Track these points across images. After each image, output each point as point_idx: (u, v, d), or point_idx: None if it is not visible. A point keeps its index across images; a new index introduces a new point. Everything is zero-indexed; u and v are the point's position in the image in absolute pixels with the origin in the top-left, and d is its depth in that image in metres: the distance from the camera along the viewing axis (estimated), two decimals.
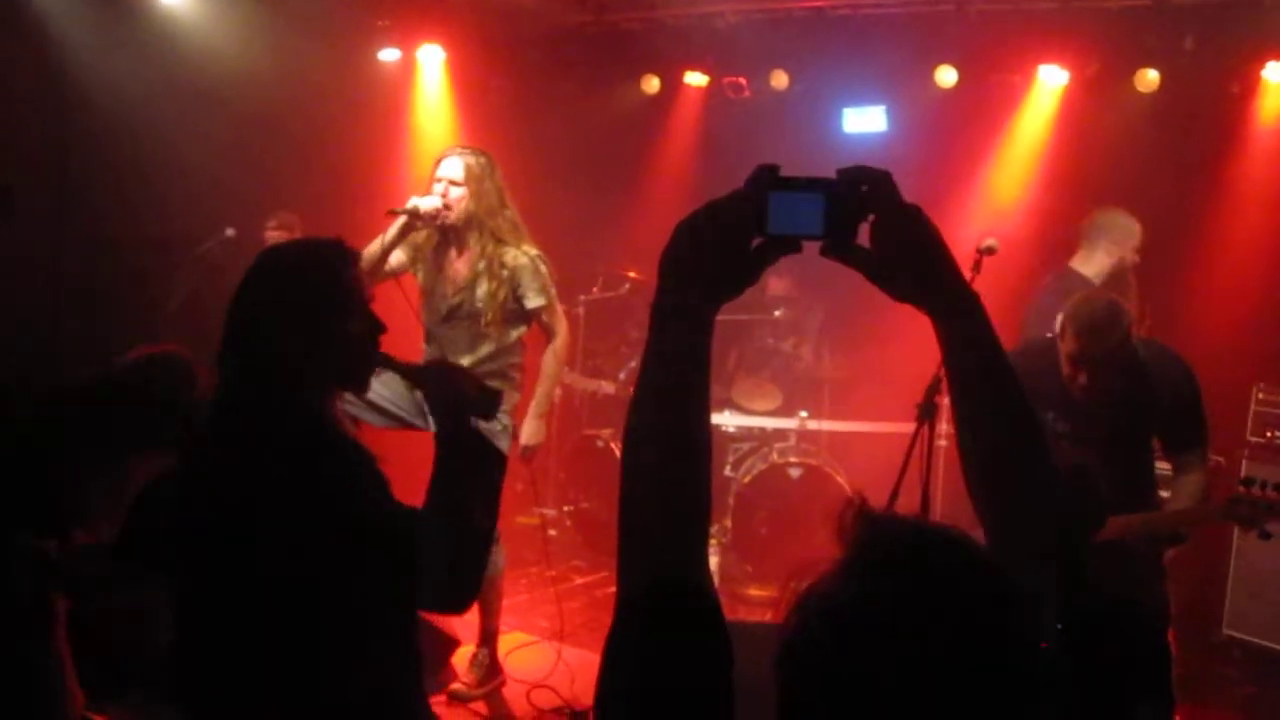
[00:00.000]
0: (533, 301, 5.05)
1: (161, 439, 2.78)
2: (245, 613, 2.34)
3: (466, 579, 2.59)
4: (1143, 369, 4.19)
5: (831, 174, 1.66)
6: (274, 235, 6.89)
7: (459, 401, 2.59)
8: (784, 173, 1.64)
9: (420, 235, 5.08)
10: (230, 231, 6.72)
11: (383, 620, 2.45)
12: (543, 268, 5.03)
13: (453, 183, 4.95)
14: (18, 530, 2.70)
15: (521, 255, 4.99)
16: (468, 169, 4.96)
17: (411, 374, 2.77)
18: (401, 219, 4.87)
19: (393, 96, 8.41)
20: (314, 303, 2.50)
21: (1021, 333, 5.21)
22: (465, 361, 4.97)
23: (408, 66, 8.43)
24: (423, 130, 8.47)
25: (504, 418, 5.00)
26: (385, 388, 4.93)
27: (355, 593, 2.36)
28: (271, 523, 2.32)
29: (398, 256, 5.05)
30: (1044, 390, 4.35)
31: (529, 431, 5.19)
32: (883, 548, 1.23)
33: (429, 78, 8.48)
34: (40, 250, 6.64)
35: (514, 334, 5.10)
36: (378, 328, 2.59)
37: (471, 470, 2.58)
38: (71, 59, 6.54)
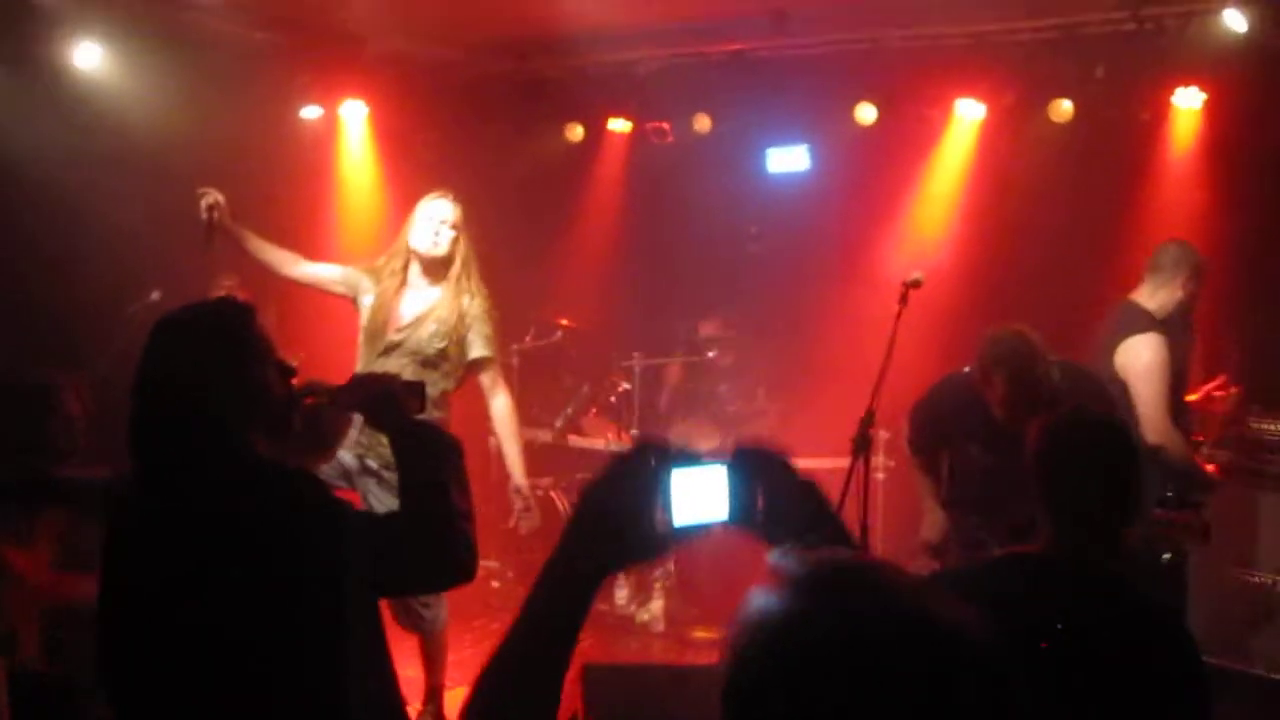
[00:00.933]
0: (478, 351, 5.04)
1: None
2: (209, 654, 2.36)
3: (463, 556, 2.66)
4: (1060, 390, 4.26)
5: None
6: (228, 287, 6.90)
7: (392, 399, 2.71)
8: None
9: (386, 266, 5.10)
10: (156, 295, 6.63)
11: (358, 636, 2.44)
12: (491, 322, 5.05)
13: (444, 223, 5.08)
14: None
15: (481, 303, 5.02)
16: (458, 213, 5.10)
17: (337, 393, 2.80)
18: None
19: (317, 153, 8.36)
20: (226, 358, 2.53)
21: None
22: None
23: (330, 123, 8.40)
24: (349, 185, 8.44)
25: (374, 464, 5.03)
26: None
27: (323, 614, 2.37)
28: (223, 564, 2.36)
29: (347, 278, 5.08)
30: (966, 423, 4.42)
31: (527, 521, 5.20)
32: (805, 579, 1.23)
33: (352, 133, 8.45)
34: None
35: (444, 385, 5.07)
36: (288, 371, 2.64)
37: (433, 454, 2.67)
38: None
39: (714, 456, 1.60)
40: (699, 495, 1.65)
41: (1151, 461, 4.85)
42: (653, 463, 1.61)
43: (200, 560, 2.38)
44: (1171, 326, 5.08)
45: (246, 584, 2.35)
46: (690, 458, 1.63)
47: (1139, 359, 4.93)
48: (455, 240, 5.08)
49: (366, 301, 5.15)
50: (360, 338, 5.15)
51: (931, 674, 1.13)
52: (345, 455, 4.97)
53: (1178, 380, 5.04)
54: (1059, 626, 2.42)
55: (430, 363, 5.00)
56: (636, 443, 1.69)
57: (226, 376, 2.52)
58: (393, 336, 5.04)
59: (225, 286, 6.93)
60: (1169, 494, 3.95)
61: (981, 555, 4.37)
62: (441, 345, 5.00)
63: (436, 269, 5.09)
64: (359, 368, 5.07)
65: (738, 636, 1.22)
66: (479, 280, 5.12)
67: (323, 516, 2.45)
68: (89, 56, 6.95)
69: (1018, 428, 4.16)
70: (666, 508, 1.59)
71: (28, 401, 4.08)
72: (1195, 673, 2.50)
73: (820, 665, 1.15)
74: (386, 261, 5.18)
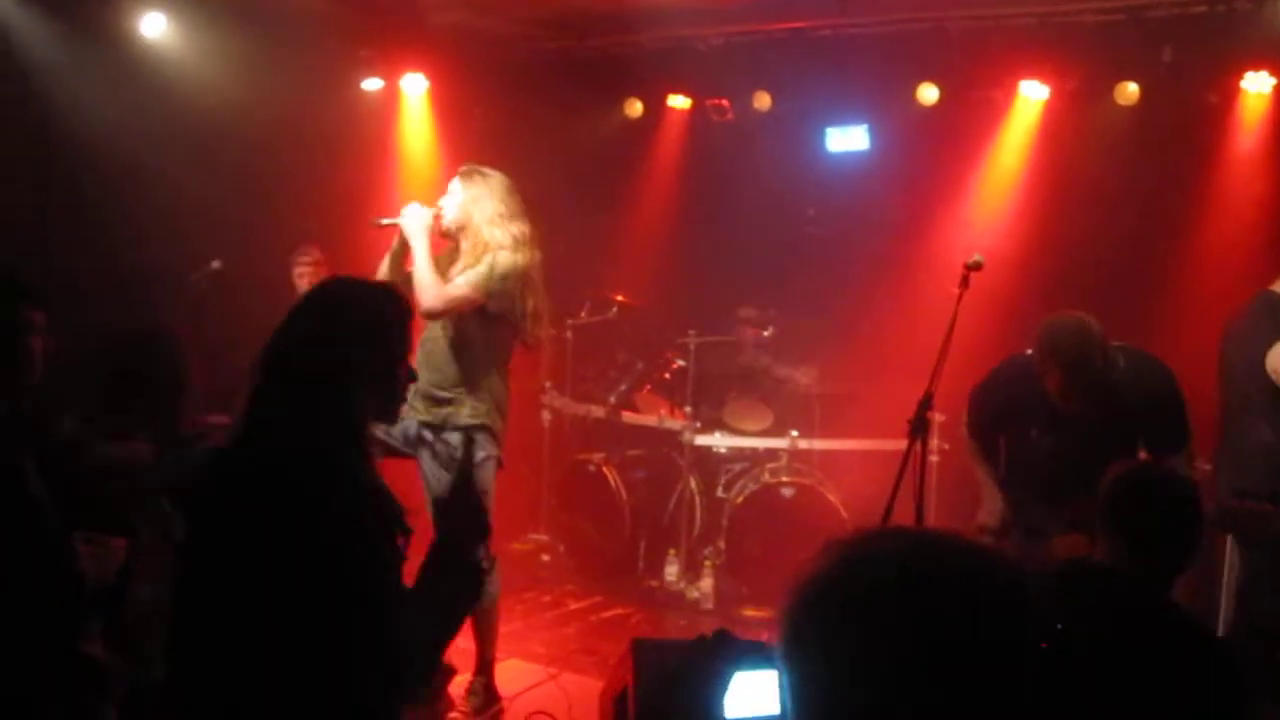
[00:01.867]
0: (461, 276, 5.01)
1: None
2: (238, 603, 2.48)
3: (409, 681, 2.65)
4: (1124, 376, 4.21)
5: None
6: (304, 270, 6.98)
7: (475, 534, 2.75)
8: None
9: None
10: (216, 264, 6.70)
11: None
12: (498, 269, 4.96)
13: (448, 194, 5.12)
14: None
15: (501, 253, 4.98)
16: (466, 180, 5.10)
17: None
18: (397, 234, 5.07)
19: (377, 126, 8.41)
20: (378, 339, 2.71)
21: (1221, 355, 5.00)
22: (430, 378, 5.00)
23: (391, 95, 8.44)
24: (408, 158, 8.48)
25: (489, 446, 5.02)
26: None
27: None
28: (280, 530, 2.46)
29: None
30: (1026, 407, 4.38)
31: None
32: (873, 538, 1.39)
33: (412, 106, 8.49)
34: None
35: (480, 342, 5.07)
36: (412, 375, 2.82)
37: (457, 602, 2.73)
38: (52, 93, 6.51)
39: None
40: (756, 691, 1.93)
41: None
42: (721, 663, 1.79)
43: (273, 519, 2.48)
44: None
45: (306, 550, 2.45)
46: (755, 656, 1.81)
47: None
48: (460, 204, 5.08)
49: None
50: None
51: (958, 613, 1.27)
52: (409, 422, 5.04)
53: None
54: (1112, 638, 2.55)
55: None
56: (711, 642, 1.84)
57: (371, 355, 2.68)
58: None
59: (308, 259, 7.00)
60: (1245, 489, 3.91)
61: (1039, 543, 4.35)
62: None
63: (456, 237, 5.15)
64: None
65: (795, 586, 1.35)
66: (515, 243, 5.02)
67: (381, 526, 2.55)
68: (154, 26, 7.01)
69: (1076, 413, 4.14)
70: (721, 701, 1.78)
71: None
72: (1236, 696, 2.63)
73: (863, 607, 1.30)
74: None
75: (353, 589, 2.44)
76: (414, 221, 5.03)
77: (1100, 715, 2.39)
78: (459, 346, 5.06)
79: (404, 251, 5.06)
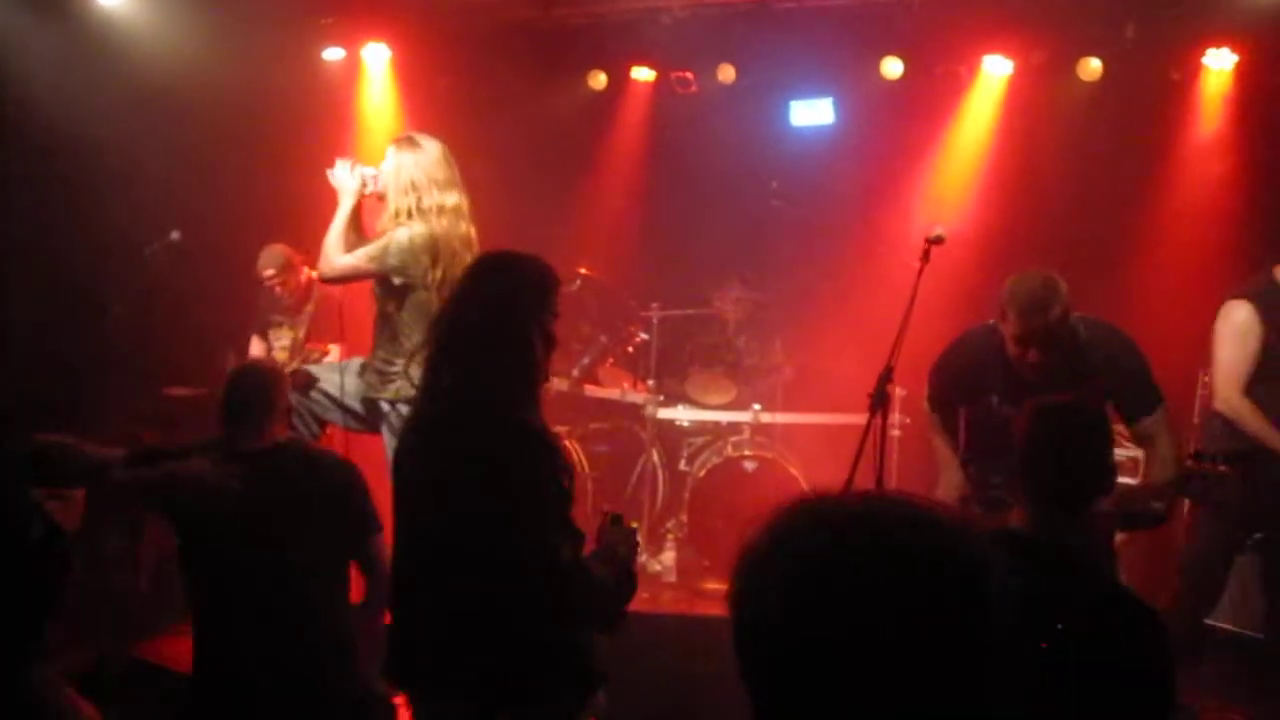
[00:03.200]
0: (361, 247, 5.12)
1: None
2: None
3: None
4: (1085, 345, 4.23)
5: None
6: (274, 284, 6.98)
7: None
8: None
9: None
10: (175, 235, 6.64)
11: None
12: (395, 242, 4.96)
13: (384, 159, 5.17)
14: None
15: (404, 228, 5.00)
16: (397, 148, 5.14)
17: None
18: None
19: (338, 95, 8.32)
20: (546, 309, 3.17)
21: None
22: (376, 352, 5.14)
23: (352, 65, 8.35)
24: (369, 129, 8.39)
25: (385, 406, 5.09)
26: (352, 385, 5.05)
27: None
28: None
29: None
30: (986, 377, 4.39)
31: None
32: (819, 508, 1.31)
33: (374, 76, 8.41)
34: None
35: (398, 313, 5.07)
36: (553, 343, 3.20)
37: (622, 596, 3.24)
38: (8, 63, 6.43)
39: None
40: None
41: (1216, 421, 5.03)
42: None
43: (479, 471, 2.94)
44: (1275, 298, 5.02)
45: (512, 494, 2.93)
46: None
47: (1217, 325, 5.11)
48: (387, 174, 5.12)
49: None
50: None
51: (913, 582, 1.21)
52: (370, 395, 5.06)
53: (1270, 353, 5.00)
54: (1036, 605, 2.50)
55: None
56: None
57: (541, 317, 3.13)
58: None
59: (272, 271, 6.96)
60: (1201, 451, 3.97)
61: (1001, 514, 4.37)
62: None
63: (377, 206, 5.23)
64: None
65: (747, 552, 1.30)
66: (425, 216, 5.03)
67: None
68: None
69: (1032, 370, 4.16)
70: None
71: None
72: (1163, 655, 2.58)
73: (815, 576, 1.23)
74: None
75: (558, 521, 2.96)
76: (344, 181, 5.15)
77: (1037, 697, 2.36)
78: (382, 319, 5.13)
79: (347, 215, 5.15)
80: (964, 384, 4.63)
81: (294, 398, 4.84)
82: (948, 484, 4.72)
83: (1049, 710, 2.33)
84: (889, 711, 1.19)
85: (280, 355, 7.01)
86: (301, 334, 7.11)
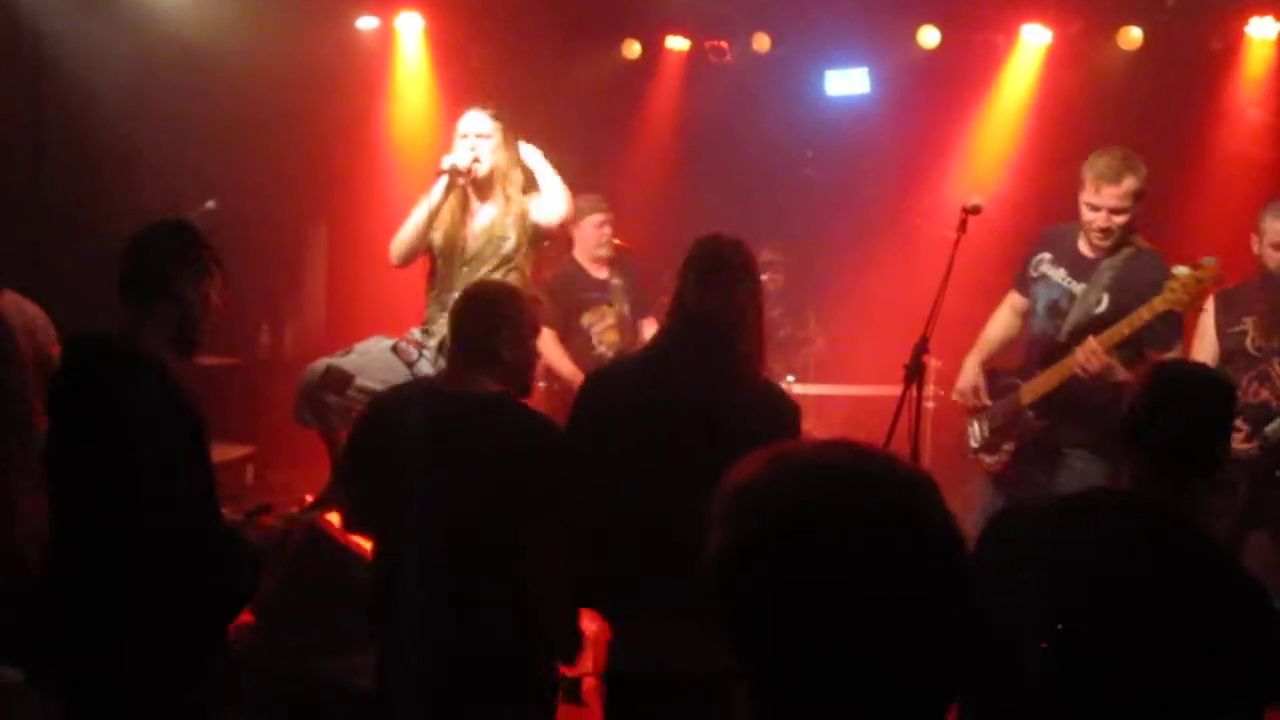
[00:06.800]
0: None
1: None
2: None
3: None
4: (1141, 254, 4.63)
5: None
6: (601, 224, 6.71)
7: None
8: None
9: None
10: (211, 204, 6.65)
11: None
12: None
13: (479, 135, 5.05)
14: None
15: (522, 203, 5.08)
16: (492, 123, 5.07)
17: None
18: (443, 179, 4.96)
19: (371, 65, 8.31)
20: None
21: None
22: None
23: (386, 34, 8.34)
24: (402, 98, 8.38)
25: None
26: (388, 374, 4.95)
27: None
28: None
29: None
30: (1060, 248, 4.81)
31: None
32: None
33: (408, 45, 8.39)
34: (18, 226, 6.58)
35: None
36: None
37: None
38: (47, 34, 6.47)
39: None
40: None
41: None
42: None
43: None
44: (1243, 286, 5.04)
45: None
46: None
47: None
48: (493, 151, 5.04)
49: (435, 235, 5.12)
50: (436, 263, 5.14)
51: (890, 536, 1.20)
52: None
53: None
54: (1140, 572, 2.41)
55: (508, 259, 5.07)
56: None
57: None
58: (472, 248, 5.09)
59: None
60: None
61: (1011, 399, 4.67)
62: (513, 246, 5.08)
63: (483, 187, 5.08)
64: (438, 281, 5.12)
65: (725, 504, 1.27)
66: (519, 189, 5.09)
67: None
68: None
69: (1097, 238, 4.62)
70: None
71: None
72: (1270, 625, 2.46)
73: (795, 527, 1.21)
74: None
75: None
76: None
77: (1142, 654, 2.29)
78: None
79: (444, 197, 5.01)
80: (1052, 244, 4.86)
81: (330, 398, 4.85)
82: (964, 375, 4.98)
83: (1155, 667, 2.31)
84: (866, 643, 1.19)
85: (609, 337, 6.61)
86: (625, 308, 6.71)
